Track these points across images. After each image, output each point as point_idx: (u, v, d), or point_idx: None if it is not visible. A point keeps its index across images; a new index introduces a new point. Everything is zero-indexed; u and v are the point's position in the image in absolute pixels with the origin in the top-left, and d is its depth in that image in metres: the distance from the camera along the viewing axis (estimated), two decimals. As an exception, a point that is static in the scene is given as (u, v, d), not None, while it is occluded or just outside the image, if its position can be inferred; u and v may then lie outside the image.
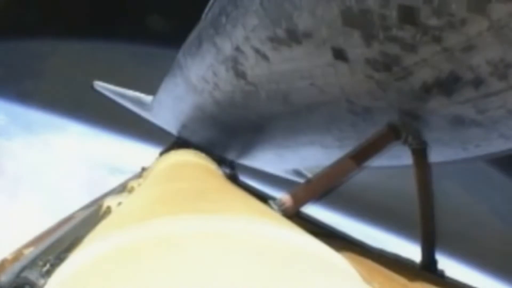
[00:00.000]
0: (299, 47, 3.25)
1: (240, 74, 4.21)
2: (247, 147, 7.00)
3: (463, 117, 2.90)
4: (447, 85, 2.65)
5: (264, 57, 3.66)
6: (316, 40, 3.07)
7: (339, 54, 3.02)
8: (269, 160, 7.39)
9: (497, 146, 3.31)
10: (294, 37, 3.22)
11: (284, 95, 3.98)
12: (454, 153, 3.73)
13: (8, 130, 17.75)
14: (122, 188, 3.12)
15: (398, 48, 2.65)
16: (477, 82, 2.50)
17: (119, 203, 1.92)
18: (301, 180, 9.04)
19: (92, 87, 10.77)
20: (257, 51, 3.68)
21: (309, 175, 9.31)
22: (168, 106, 7.79)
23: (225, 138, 6.95)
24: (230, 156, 8.32)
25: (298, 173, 9.47)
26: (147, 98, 9.31)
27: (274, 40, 3.40)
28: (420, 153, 3.72)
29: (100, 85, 10.73)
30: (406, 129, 3.56)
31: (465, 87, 2.58)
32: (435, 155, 3.84)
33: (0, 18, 10.44)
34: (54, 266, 1.13)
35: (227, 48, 4.09)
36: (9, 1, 10.94)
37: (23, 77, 12.45)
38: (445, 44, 2.41)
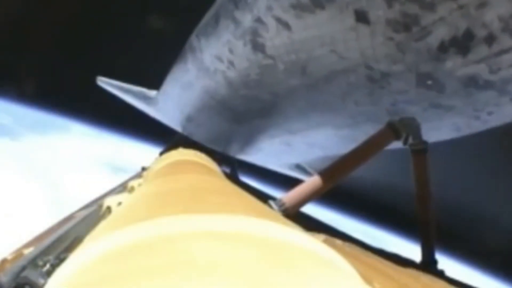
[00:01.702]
0: (322, 12, 3.29)
1: (258, 47, 4.22)
2: (254, 136, 6.94)
3: (477, 78, 2.98)
4: (463, 44, 2.76)
5: (286, 26, 3.68)
6: (339, 3, 3.13)
7: (362, 17, 3.07)
8: (275, 151, 7.33)
9: (508, 113, 3.36)
10: (317, 2, 3.26)
11: (302, 66, 3.99)
12: (467, 124, 3.73)
13: (13, 130, 17.84)
14: (122, 188, 3.12)
15: (418, 8, 2.72)
16: (490, 39, 2.62)
17: (119, 203, 1.92)
18: (303, 177, 9.05)
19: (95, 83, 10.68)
20: (278, 20, 3.70)
21: (311, 171, 9.32)
22: (174, 97, 7.73)
23: (231, 127, 6.87)
24: (234, 149, 8.26)
25: (300, 168, 9.45)
26: (151, 92, 9.25)
27: (297, 7, 3.43)
28: (419, 154, 3.73)
29: (104, 81, 10.65)
30: (406, 130, 3.58)
31: (479, 45, 2.70)
32: (449, 129, 3.85)
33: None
34: (54, 266, 1.14)
35: (247, 21, 4.11)
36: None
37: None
38: (461, 2, 2.51)
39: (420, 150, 3.72)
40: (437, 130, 3.79)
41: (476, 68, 2.86)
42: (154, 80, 9.01)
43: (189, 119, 7.85)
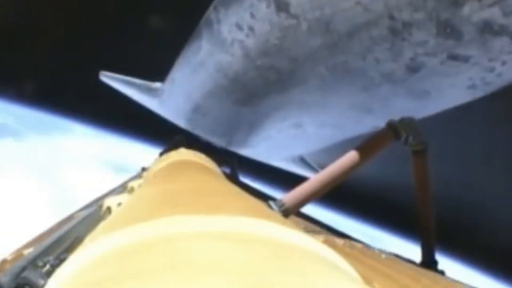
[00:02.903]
0: None
1: (282, 7, 4.36)
2: (262, 122, 6.91)
3: (492, 23, 3.13)
4: None
5: None
6: None
7: None
8: (282, 138, 7.30)
9: None
10: None
11: (326, 22, 4.11)
12: (482, 79, 3.80)
13: (16, 130, 17.91)
14: (122, 189, 3.13)
15: None
16: None
17: (119, 204, 1.92)
18: (306, 173, 9.07)
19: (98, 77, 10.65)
20: None
21: (315, 166, 9.34)
22: (182, 83, 7.73)
23: (240, 111, 6.84)
24: (238, 141, 8.22)
25: (304, 162, 9.46)
26: (156, 84, 9.28)
27: None
28: (419, 154, 3.73)
29: (107, 75, 10.63)
30: (406, 130, 3.59)
31: None
32: (465, 86, 3.90)
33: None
34: (54, 266, 1.14)
35: None
36: None
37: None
38: None
39: (420, 150, 3.72)
40: (453, 88, 3.87)
41: (491, 12, 3.03)
42: (156, 81, 9.06)
43: (195, 108, 7.82)
